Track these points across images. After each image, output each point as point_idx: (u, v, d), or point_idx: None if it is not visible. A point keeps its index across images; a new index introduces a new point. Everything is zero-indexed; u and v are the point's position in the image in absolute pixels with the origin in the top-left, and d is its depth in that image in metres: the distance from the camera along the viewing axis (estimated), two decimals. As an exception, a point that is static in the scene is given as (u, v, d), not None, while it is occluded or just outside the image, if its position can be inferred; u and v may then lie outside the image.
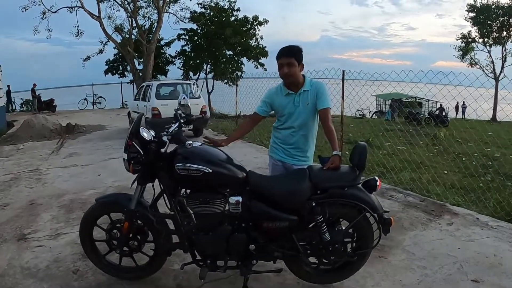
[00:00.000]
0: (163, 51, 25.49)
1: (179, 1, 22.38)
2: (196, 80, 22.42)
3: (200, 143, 2.73)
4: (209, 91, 23.68)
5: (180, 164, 2.51)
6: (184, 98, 2.80)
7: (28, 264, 3.37)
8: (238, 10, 23.84)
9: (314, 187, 2.61)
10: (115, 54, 25.26)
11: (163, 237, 2.80)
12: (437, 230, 4.12)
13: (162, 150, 2.67)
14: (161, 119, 9.39)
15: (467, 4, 33.14)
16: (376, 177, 2.70)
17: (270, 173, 3.26)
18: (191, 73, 24.86)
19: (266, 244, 2.64)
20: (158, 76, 23.93)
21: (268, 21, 24.33)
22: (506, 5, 31.17)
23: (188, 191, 2.68)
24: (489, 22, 31.83)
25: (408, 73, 6.41)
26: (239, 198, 2.56)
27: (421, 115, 23.18)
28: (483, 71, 31.19)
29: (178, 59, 25.61)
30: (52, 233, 4.06)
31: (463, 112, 28.78)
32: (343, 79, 6.56)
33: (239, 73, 23.76)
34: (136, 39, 20.39)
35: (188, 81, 12.38)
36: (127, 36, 20.56)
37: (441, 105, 23.06)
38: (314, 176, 2.64)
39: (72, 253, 3.57)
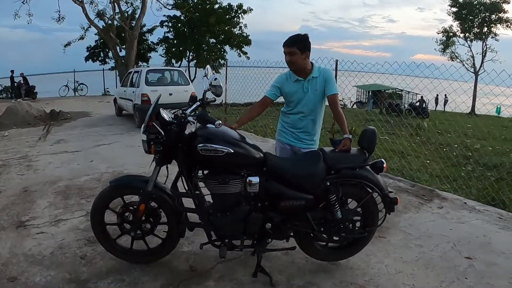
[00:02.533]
0: (145, 38, 25.13)
1: (163, -14, 21.97)
2: (179, 67, 22.19)
3: (221, 123, 2.76)
4: (191, 79, 23.54)
5: (201, 145, 2.54)
6: (215, 78, 2.78)
7: (31, 252, 3.28)
8: (222, -2, 23.64)
9: (328, 168, 2.74)
10: (96, 41, 24.76)
11: (183, 217, 2.85)
12: (429, 213, 4.35)
13: (184, 131, 2.70)
14: (151, 105, 9.32)
15: (450, -1, 33.76)
16: (383, 160, 2.83)
17: (277, 155, 3.35)
18: (173, 61, 24.68)
19: (281, 222, 2.74)
20: (140, 63, 23.63)
21: (252, 9, 24.29)
22: (488, 1, 31.96)
23: (205, 172, 2.71)
24: (470, 17, 32.54)
25: (393, 64, 6.63)
26: (257, 179, 2.63)
27: (402, 107, 23.65)
28: (463, 65, 31.99)
29: (161, 46, 25.30)
30: (52, 219, 3.98)
31: (445, 104, 29.42)
32: (336, 69, 6.67)
33: (222, 61, 23.74)
34: (119, 25, 20.02)
35: (178, 68, 12.28)
36: (110, 22, 20.14)
37: (421, 97, 23.61)
38: (328, 158, 2.76)
39: (77, 239, 3.52)
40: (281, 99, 3.45)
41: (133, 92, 10.01)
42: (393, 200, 2.80)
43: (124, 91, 10.97)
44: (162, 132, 2.63)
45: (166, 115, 2.71)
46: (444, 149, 9.10)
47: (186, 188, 2.76)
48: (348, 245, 3.03)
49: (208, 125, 2.64)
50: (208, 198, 2.85)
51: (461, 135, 12.54)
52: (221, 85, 2.81)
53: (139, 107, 9.59)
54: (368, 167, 2.79)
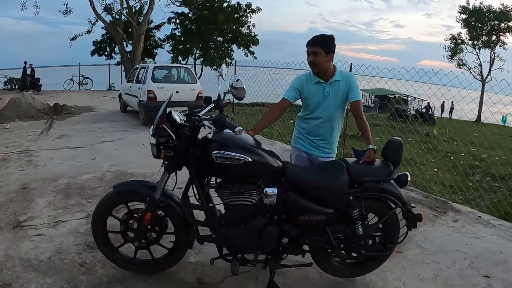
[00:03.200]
0: (152, 34, 25.02)
1: (172, -17, 21.84)
2: (185, 65, 22.05)
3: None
4: (198, 77, 23.42)
5: (216, 152, 2.33)
6: (238, 79, 2.58)
7: (27, 256, 3.08)
8: (231, -4, 23.48)
9: (351, 181, 2.55)
10: (102, 35, 24.66)
11: (193, 229, 2.65)
12: (444, 226, 4.20)
13: (198, 135, 2.49)
14: (157, 102, 9.15)
15: (460, 6, 33.72)
16: (407, 173, 2.64)
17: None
18: (180, 58, 24.57)
19: (298, 237, 2.55)
20: (146, 59, 23.51)
21: (261, 9, 24.22)
22: (498, 10, 31.82)
23: (218, 180, 2.53)
24: (479, 25, 32.41)
25: (400, 69, 6.49)
26: (275, 190, 2.43)
27: (408, 112, 23.45)
28: (470, 72, 31.84)
29: (167, 43, 25.23)
30: (51, 220, 3.78)
31: (451, 111, 29.26)
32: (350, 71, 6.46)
33: (229, 60, 23.62)
34: (126, 20, 19.89)
35: (185, 65, 12.10)
36: (117, 16, 20.01)
37: (428, 103, 23.41)
38: (351, 169, 2.58)
39: (76, 243, 3.32)
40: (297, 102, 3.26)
41: (139, 88, 9.83)
42: (417, 216, 2.63)
43: (130, 87, 10.79)
44: (174, 136, 2.41)
45: (178, 117, 2.49)
46: (452, 157, 8.96)
47: (197, 197, 2.56)
48: (366, 261, 2.85)
49: (225, 131, 2.41)
50: (220, 206, 2.65)
51: (468, 143, 12.41)
52: (244, 87, 2.60)
53: (144, 104, 9.41)
54: (392, 180, 2.61)
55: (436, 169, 7.68)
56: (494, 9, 32.09)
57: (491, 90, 5.75)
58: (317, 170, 2.73)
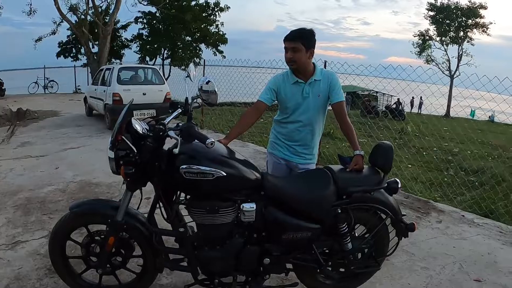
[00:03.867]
0: (119, 34, 24.36)
1: (139, -19, 21.30)
2: (153, 65, 21.56)
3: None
4: (166, 77, 23.00)
5: (185, 166, 2.02)
6: (208, 81, 2.25)
7: None
8: (199, -6, 23.10)
9: (338, 192, 2.30)
10: (68, 36, 23.78)
11: (162, 256, 2.35)
12: (429, 228, 4.09)
13: (162, 146, 2.15)
14: (123, 105, 8.72)
15: (428, 3, 34.53)
16: (397, 179, 2.44)
17: (269, 172, 2.91)
18: (147, 58, 24.04)
19: (282, 256, 2.29)
20: (113, 60, 22.87)
21: (229, 7, 23.86)
22: (465, 6, 32.72)
23: (188, 196, 2.22)
24: (447, 21, 33.23)
25: (368, 66, 6.50)
26: (253, 205, 2.15)
27: (378, 108, 23.67)
28: (439, 68, 32.65)
29: (134, 43, 24.67)
30: (9, 241, 3.40)
31: (420, 107, 29.81)
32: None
33: (198, 60, 23.30)
34: (92, 20, 19.26)
35: (152, 66, 11.64)
36: (83, 17, 19.39)
37: (398, 99, 23.73)
38: (338, 179, 2.32)
39: (36, 267, 2.97)
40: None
41: (104, 91, 9.35)
42: (410, 226, 2.43)
43: (95, 89, 10.27)
44: (135, 149, 2.07)
45: (139, 126, 2.14)
46: (424, 153, 8.99)
47: (165, 217, 2.24)
48: (355, 275, 2.60)
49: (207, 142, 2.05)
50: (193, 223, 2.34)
51: (439, 138, 12.56)
52: (216, 90, 2.26)
53: (110, 108, 8.95)
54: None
55: (410, 166, 7.67)
56: (461, 6, 32.99)
57: (461, 85, 5.72)
58: (300, 181, 2.43)
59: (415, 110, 31.06)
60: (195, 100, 2.30)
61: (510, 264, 3.36)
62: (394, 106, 24.24)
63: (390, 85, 6.62)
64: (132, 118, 2.16)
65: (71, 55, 24.45)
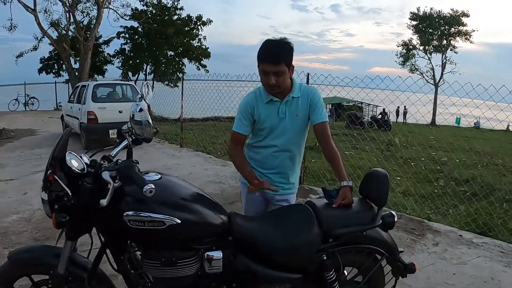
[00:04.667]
0: (101, 49, 24.28)
1: (120, -4, 21.28)
2: (135, 81, 21.20)
3: (158, 175, 1.81)
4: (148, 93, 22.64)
5: (130, 213, 1.64)
6: (141, 109, 1.84)
7: None
8: (181, 9, 23.17)
9: (324, 234, 1.92)
10: (50, 52, 23.47)
11: None
12: (426, 253, 3.76)
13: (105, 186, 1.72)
14: (99, 124, 8.32)
15: (410, 13, 35.13)
16: (393, 212, 2.08)
17: (243, 206, 2.51)
18: (130, 74, 23.75)
19: None
20: (95, 76, 22.52)
21: (212, 21, 23.91)
22: (448, 15, 33.19)
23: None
24: (430, 30, 33.68)
25: (354, 78, 6.28)
26: (219, 254, 1.78)
27: (364, 119, 23.50)
28: (423, 77, 32.98)
29: (117, 58, 24.60)
30: None
31: (404, 116, 29.87)
32: (307, 82, 5.98)
33: (180, 75, 23.09)
34: (73, 36, 19.03)
35: (129, 82, 11.23)
36: (64, 32, 19.16)
37: (384, 109, 23.61)
38: (323, 218, 1.94)
39: None
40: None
41: (79, 109, 8.94)
42: (409, 267, 2.09)
43: (71, 107, 9.87)
44: (69, 191, 1.67)
45: (76, 162, 1.75)
46: (413, 164, 8.75)
47: (115, 268, 1.84)
48: None
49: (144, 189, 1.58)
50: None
51: (427, 147, 12.37)
52: (149, 121, 1.83)
53: (85, 127, 8.53)
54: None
55: (398, 178, 7.40)
56: (444, 15, 33.50)
57: (447, 92, 5.58)
58: (275, 223, 2.00)
59: (400, 119, 31.16)
60: (128, 133, 1.88)
61: (516, 289, 3.07)
62: (379, 116, 24.10)
63: (374, 94, 6.39)
64: (68, 152, 1.76)
65: (53, 71, 24.26)
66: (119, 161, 1.76)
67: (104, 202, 1.56)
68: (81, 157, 1.80)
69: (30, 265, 1.99)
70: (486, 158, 11.01)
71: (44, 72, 24.05)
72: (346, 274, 2.14)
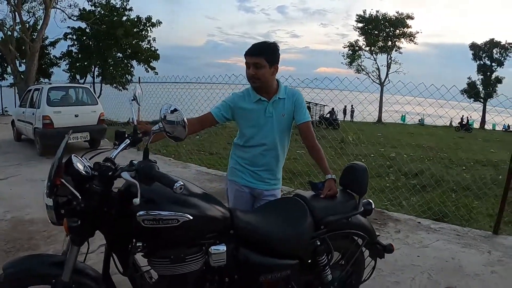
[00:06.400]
0: (47, 51, 23.29)
1: (68, -4, 20.51)
2: (83, 83, 20.53)
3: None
4: (97, 95, 21.99)
5: (143, 212, 1.64)
6: (174, 109, 1.74)
7: None
8: (130, 9, 22.75)
9: (316, 223, 2.12)
10: (-7, 54, 22.06)
11: None
12: (390, 239, 4.06)
13: (111, 187, 1.74)
14: (54, 129, 8.05)
15: (357, 15, 36.63)
16: (370, 200, 2.33)
17: (230, 202, 2.63)
18: (78, 77, 22.91)
19: None
20: (42, 79, 21.51)
21: (161, 22, 23.75)
22: (393, 17, 34.93)
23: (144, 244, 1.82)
24: (376, 32, 35.27)
25: (304, 79, 6.64)
26: (223, 248, 1.86)
27: (313, 119, 24.08)
28: (369, 77, 34.47)
29: (64, 60, 23.66)
30: None
31: (352, 115, 30.97)
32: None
33: (129, 77, 22.70)
34: (19, 37, 18.17)
35: (84, 85, 10.89)
36: (9, 33, 18.17)
37: (332, 108, 24.40)
38: (314, 209, 2.14)
39: None
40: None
41: (33, 113, 8.58)
42: (388, 248, 2.33)
43: (23, 112, 9.42)
44: (78, 195, 1.63)
45: (81, 165, 1.71)
46: (363, 160, 9.17)
47: (121, 271, 1.83)
48: None
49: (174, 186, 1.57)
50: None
51: (376, 144, 13.01)
52: (185, 120, 1.75)
53: (40, 132, 8.21)
54: None
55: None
56: (390, 17, 35.23)
57: (392, 90, 5.94)
58: (273, 215, 2.16)
59: (348, 117, 32.33)
60: (158, 128, 1.82)
61: (475, 267, 3.45)
62: (328, 115, 24.87)
63: (324, 93, 6.71)
64: (73, 155, 1.75)
65: (-3, 74, 22.94)
66: (134, 162, 1.75)
67: (137, 201, 1.56)
68: (83, 158, 1.80)
69: (29, 276, 1.87)
70: (431, 152, 11.80)
71: (-13, 75, 22.82)
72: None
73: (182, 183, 1.55)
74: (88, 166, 1.76)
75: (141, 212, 1.64)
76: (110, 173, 1.71)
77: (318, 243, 2.11)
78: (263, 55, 2.31)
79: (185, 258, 1.78)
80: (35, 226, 4.26)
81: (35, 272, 1.85)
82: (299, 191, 2.35)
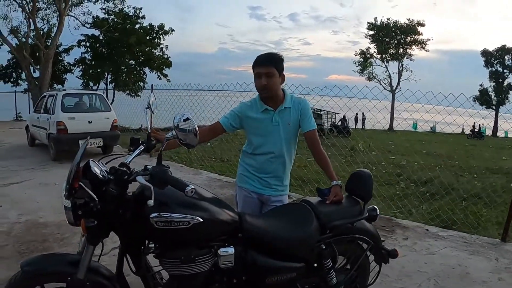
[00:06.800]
0: (61, 58, 23.62)
1: (81, 4, 20.87)
2: (96, 90, 20.83)
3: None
4: (110, 102, 22.26)
5: (156, 215, 1.74)
6: (187, 118, 1.84)
7: None
8: (143, 17, 23.02)
9: (322, 227, 2.19)
10: (8, 60, 22.74)
11: None
12: (397, 246, 4.07)
13: (126, 191, 1.84)
14: (68, 135, 8.22)
15: (368, 23, 36.64)
16: (375, 206, 2.40)
17: (239, 207, 2.73)
18: (91, 83, 23.22)
19: None
20: (55, 85, 21.90)
21: (173, 30, 23.87)
22: (404, 24, 34.87)
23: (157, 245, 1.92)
24: (387, 39, 35.26)
25: (314, 87, 6.64)
26: (232, 250, 1.93)
27: (324, 126, 24.09)
28: (380, 84, 34.40)
29: (77, 67, 23.94)
30: None
31: (363, 122, 30.92)
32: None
33: (142, 84, 22.92)
34: (33, 43, 18.47)
35: (97, 92, 11.09)
36: (24, 39, 18.55)
37: (344, 116, 24.42)
38: (320, 213, 2.21)
39: None
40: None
41: (47, 119, 8.75)
42: (392, 253, 2.38)
43: (37, 117, 9.61)
44: (95, 197, 1.74)
45: (98, 169, 1.82)
46: (373, 168, 9.17)
47: (134, 270, 1.94)
48: None
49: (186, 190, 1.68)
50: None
51: (386, 152, 12.96)
52: (196, 128, 1.85)
53: (54, 137, 8.37)
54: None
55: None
56: (401, 24, 35.18)
57: (403, 99, 5.99)
58: (281, 219, 2.25)
59: (359, 125, 32.27)
60: (171, 136, 1.92)
61: (482, 273, 3.45)
62: (339, 123, 24.85)
63: (333, 101, 6.75)
64: (91, 160, 1.85)
65: (11, 80, 23.48)
66: (148, 166, 1.86)
67: (151, 202, 1.66)
68: (99, 163, 1.90)
69: (45, 274, 1.98)
70: (442, 160, 11.74)
71: (1, 81, 23.30)
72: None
73: (193, 187, 1.65)
74: (105, 170, 1.86)
75: (154, 214, 1.73)
76: (125, 177, 1.81)
77: (324, 247, 2.17)
78: (274, 64, 2.40)
79: (195, 259, 1.86)
80: (48, 229, 4.38)
81: (51, 270, 1.95)
82: (307, 198, 2.42)
